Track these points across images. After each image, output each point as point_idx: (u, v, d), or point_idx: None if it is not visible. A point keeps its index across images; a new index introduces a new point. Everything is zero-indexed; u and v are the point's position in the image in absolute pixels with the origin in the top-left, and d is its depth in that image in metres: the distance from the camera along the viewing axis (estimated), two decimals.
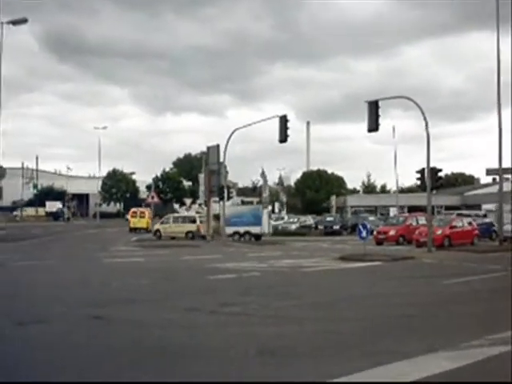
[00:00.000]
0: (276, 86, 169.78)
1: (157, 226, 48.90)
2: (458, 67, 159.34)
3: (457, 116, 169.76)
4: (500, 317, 11.10)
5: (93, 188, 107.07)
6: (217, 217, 45.91)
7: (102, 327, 10.26)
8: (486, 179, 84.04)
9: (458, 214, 46.01)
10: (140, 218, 59.58)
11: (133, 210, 62.73)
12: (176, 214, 47.06)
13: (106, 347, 8.55)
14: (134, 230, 57.21)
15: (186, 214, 58.65)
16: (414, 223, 39.55)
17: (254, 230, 43.37)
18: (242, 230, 43.16)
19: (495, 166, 37.25)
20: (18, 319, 10.55)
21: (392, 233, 38.93)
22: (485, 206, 58.18)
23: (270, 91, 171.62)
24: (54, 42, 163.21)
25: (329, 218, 60.01)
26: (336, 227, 55.52)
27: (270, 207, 45.04)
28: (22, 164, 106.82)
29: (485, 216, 48.62)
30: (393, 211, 67.24)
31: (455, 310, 12.28)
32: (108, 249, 33.63)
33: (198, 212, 56.00)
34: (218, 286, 16.37)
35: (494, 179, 64.27)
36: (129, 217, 62.96)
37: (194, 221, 47.96)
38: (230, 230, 42.67)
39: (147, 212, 59.73)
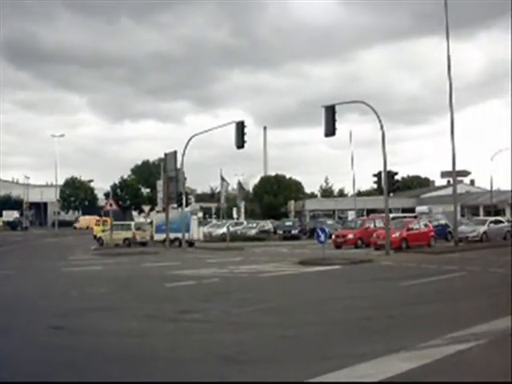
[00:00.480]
0: (234, 92, 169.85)
1: (99, 234, 50.60)
2: (412, 72, 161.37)
3: (411, 120, 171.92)
4: (458, 316, 11.30)
5: (51, 196, 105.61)
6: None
7: (62, 337, 10.11)
8: (441, 181, 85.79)
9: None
10: (103, 227, 59.13)
11: (97, 218, 64.82)
12: (115, 222, 47.88)
13: (66, 357, 8.45)
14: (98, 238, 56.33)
15: (136, 220, 61.50)
16: (372, 226, 39.95)
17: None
18: (172, 236, 43.13)
19: (449, 168, 38.01)
20: None
21: (350, 236, 39.23)
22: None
23: (227, 97, 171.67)
24: (10, 50, 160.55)
25: (287, 223, 60.14)
26: (295, 232, 55.66)
27: (200, 214, 45.63)
28: None
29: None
30: (351, 215, 67.75)
31: (414, 311, 12.42)
32: (67, 257, 33.22)
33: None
34: (177, 294, 16.31)
35: (448, 182, 65.55)
36: (93, 226, 63.69)
37: (129, 228, 49.15)
38: (159, 236, 44.18)
39: (109, 221, 58.83)
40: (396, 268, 23.68)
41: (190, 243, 43.78)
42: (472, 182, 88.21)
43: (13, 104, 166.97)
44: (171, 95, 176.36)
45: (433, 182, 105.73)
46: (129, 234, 47.32)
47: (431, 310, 12.51)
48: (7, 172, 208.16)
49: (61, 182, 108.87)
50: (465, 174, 44.82)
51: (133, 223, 53.02)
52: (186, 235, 42.77)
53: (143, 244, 44.92)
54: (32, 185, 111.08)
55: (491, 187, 64.20)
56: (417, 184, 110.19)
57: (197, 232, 47.46)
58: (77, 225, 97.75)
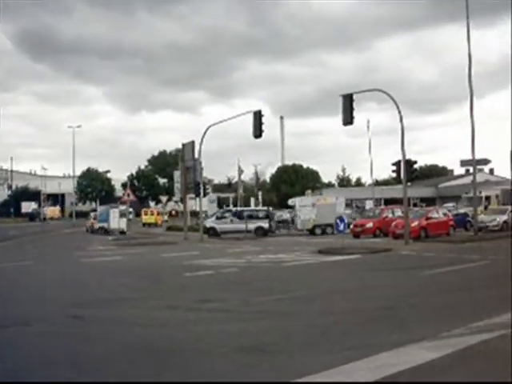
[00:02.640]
0: (251, 82, 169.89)
1: (88, 223, 61.85)
2: (431, 60, 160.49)
3: (430, 108, 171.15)
4: (480, 306, 11.20)
5: (68, 187, 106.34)
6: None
7: (83, 327, 10.14)
8: (459, 170, 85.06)
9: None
10: (150, 216, 74.66)
11: (144, 209, 78.26)
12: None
13: (87, 347, 8.47)
14: (147, 225, 70.71)
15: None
16: (390, 215, 39.74)
17: (106, 225, 53.70)
18: (99, 225, 54.84)
19: (468, 157, 37.70)
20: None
21: (369, 225, 39.09)
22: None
23: (244, 87, 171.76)
24: (28, 42, 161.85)
25: None
26: None
27: (123, 207, 50.55)
28: None
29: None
30: (369, 204, 67.48)
31: (436, 300, 12.33)
32: (85, 248, 33.37)
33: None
34: (197, 283, 16.32)
35: (467, 170, 65.03)
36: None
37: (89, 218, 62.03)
38: (97, 225, 56.06)
39: (156, 211, 78.82)
40: (416, 257, 23.54)
41: (121, 231, 50.11)
42: (491, 171, 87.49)
43: (30, 96, 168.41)
44: (188, 85, 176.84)
45: (451, 170, 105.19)
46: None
47: (453, 299, 12.41)
48: (25, 164, 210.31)
49: (78, 173, 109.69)
50: (485, 162, 44.26)
51: (92, 214, 64.87)
52: (106, 224, 53.24)
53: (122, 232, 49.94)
54: (49, 176, 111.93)
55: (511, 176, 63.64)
56: (435, 173, 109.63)
57: (117, 223, 52.70)
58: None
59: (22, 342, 8.84)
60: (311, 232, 43.00)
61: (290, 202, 53.21)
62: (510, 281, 13.45)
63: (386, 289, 14.57)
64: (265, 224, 43.91)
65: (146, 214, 75.21)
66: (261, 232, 42.40)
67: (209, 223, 44.85)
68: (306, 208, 44.04)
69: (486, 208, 46.62)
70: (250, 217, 43.61)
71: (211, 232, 43.45)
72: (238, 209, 51.39)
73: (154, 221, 73.35)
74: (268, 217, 45.26)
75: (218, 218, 46.01)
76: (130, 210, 55.03)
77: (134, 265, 22.81)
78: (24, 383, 6.45)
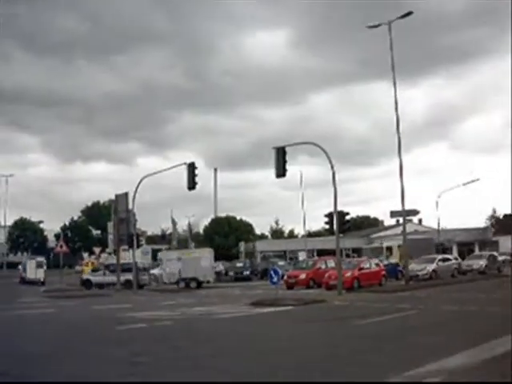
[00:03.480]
0: (185, 134, 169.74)
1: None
2: (362, 115, 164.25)
3: (361, 161, 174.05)
4: (414, 353, 11.36)
5: None
6: None
7: None
8: (390, 221, 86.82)
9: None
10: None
11: (84, 261, 76.29)
12: None
13: None
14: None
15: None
16: (324, 266, 40.01)
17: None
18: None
19: (398, 208, 38.62)
20: None
21: (302, 277, 39.21)
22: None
23: (178, 139, 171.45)
24: None
25: (239, 264, 59.98)
26: (246, 273, 55.52)
27: (40, 258, 57.73)
28: None
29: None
30: (302, 255, 67.90)
31: (367, 351, 12.40)
32: (16, 300, 32.44)
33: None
34: (129, 336, 16.00)
35: (397, 221, 66.41)
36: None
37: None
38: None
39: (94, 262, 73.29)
40: (349, 307, 23.72)
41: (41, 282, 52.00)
42: (420, 221, 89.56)
43: None
44: (123, 136, 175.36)
45: (382, 221, 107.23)
46: None
47: (384, 347, 12.54)
48: None
49: (10, 222, 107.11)
50: (414, 213, 45.37)
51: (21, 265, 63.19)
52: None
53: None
54: None
55: (438, 226, 65.45)
56: (367, 224, 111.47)
57: (34, 273, 54.66)
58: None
59: None
60: (176, 284, 43.16)
61: (159, 255, 54.22)
62: (440, 328, 13.73)
63: (319, 339, 14.63)
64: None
65: (86, 265, 73.74)
66: (129, 285, 41.73)
67: (85, 276, 48.76)
68: (171, 262, 44.68)
69: (387, 258, 47.97)
70: (122, 270, 43.54)
71: (87, 284, 44.97)
72: (111, 262, 51.78)
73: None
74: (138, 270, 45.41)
75: (93, 271, 50.73)
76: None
77: (66, 317, 22.21)
78: (23, 383, 6.18)
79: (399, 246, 48.47)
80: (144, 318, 20.17)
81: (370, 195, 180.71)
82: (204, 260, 44.26)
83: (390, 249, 50.46)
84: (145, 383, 6.29)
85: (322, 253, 62.10)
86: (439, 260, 42.75)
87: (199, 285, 42.73)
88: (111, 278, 43.73)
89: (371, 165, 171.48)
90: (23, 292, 41.27)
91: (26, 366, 11.45)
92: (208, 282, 43.86)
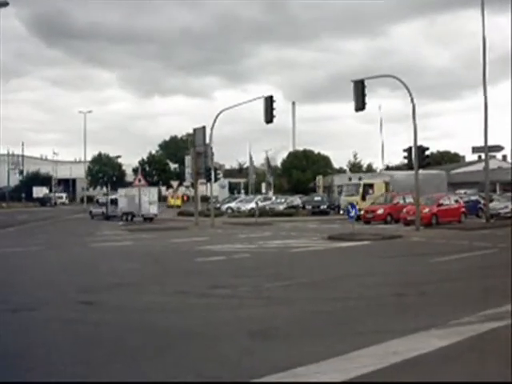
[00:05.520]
0: (263, 67, 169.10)
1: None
2: (445, 46, 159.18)
3: (443, 95, 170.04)
4: (490, 294, 11.18)
5: (79, 172, 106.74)
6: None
7: (93, 313, 10.18)
8: (471, 157, 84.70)
9: None
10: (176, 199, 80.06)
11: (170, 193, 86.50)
12: None
13: (96, 333, 8.53)
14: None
15: None
16: (402, 202, 39.54)
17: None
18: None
19: (481, 144, 37.45)
20: (10, 307, 10.48)
21: (380, 212, 38.93)
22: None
23: (257, 72, 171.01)
24: (42, 27, 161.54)
25: (316, 198, 59.74)
26: (323, 207, 55.40)
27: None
28: (8, 150, 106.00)
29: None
30: None
31: (446, 287, 12.32)
32: (95, 233, 33.50)
33: None
34: (208, 269, 16.35)
35: (479, 157, 64.58)
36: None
37: None
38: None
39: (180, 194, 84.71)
40: (426, 244, 23.49)
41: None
42: (504, 158, 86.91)
43: (42, 81, 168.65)
44: (201, 71, 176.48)
45: (463, 157, 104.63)
46: None
47: (463, 286, 12.40)
48: (36, 149, 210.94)
49: (89, 158, 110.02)
50: (498, 149, 43.96)
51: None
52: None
53: None
54: (61, 161, 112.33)
55: None
56: (447, 159, 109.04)
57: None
58: None
59: (29, 327, 8.92)
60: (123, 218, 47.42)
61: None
62: None
63: (395, 275, 14.59)
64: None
65: (172, 198, 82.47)
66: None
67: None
68: (121, 198, 49.15)
69: (363, 197, 45.34)
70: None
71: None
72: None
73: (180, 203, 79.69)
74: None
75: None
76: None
77: (144, 250, 22.86)
78: (23, 383, 6.49)
79: (386, 184, 46.82)
80: (222, 251, 20.58)
81: (452, 130, 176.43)
82: (143, 197, 47.08)
83: (370, 186, 47.33)
84: (146, 383, 6.40)
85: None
86: None
87: (147, 219, 46.29)
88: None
89: (454, 98, 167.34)
90: (104, 226, 42.47)
91: (110, 296, 11.94)
92: (155, 215, 47.73)
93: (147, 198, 47.49)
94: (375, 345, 7.26)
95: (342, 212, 44.55)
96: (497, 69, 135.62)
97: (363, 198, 44.92)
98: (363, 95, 30.50)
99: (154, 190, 51.14)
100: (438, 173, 54.56)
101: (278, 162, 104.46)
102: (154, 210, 47.95)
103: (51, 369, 6.69)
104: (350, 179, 56.88)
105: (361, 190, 46.13)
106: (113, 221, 47.61)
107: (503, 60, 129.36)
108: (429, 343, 7.30)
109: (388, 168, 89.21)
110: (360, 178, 53.31)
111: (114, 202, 53.14)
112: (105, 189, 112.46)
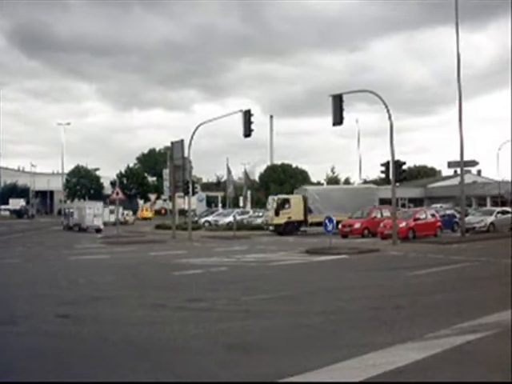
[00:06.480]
0: (242, 81, 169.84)
1: None
2: (422, 62, 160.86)
3: (420, 110, 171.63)
4: (466, 306, 11.28)
5: (57, 185, 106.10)
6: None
7: (68, 326, 10.10)
8: (447, 172, 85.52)
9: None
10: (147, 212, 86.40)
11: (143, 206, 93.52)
12: None
13: (73, 346, 8.49)
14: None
15: None
16: (379, 216, 39.82)
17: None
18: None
19: (457, 158, 37.84)
20: None
21: (357, 226, 39.16)
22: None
23: (235, 86, 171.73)
24: (22, 38, 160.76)
25: None
26: None
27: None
28: None
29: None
30: None
31: (422, 300, 12.40)
32: (73, 246, 33.24)
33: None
34: (184, 282, 16.32)
35: (455, 172, 65.23)
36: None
37: None
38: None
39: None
40: (403, 258, 23.62)
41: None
42: (479, 173, 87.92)
43: (21, 92, 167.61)
44: (180, 83, 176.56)
45: (439, 171, 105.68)
46: None
47: (440, 300, 12.49)
48: (14, 160, 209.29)
49: (67, 170, 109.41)
50: (473, 164, 44.36)
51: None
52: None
53: None
54: (38, 173, 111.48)
55: (498, 177, 64.12)
56: (424, 174, 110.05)
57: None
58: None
59: (8, 341, 8.84)
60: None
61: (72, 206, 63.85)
62: (495, 283, 13.56)
63: (372, 289, 14.65)
64: None
65: (145, 210, 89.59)
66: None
67: None
68: (74, 211, 55.38)
69: (276, 213, 44.74)
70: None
71: None
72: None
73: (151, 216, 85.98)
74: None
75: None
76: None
77: (123, 263, 22.74)
78: (19, 383, 6.45)
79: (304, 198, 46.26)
80: (200, 265, 20.55)
81: (428, 145, 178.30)
82: (88, 209, 52.36)
83: (287, 201, 46.88)
84: (148, 383, 6.40)
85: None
86: (498, 212, 41.84)
87: (98, 231, 49.46)
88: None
89: (430, 113, 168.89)
90: (81, 238, 42.19)
91: (88, 309, 11.88)
92: (99, 227, 50.76)
93: (92, 211, 51.98)
94: (353, 358, 7.31)
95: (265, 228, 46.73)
96: (471, 85, 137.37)
97: (277, 214, 44.88)
98: (341, 110, 30.74)
99: (99, 204, 54.86)
100: (369, 187, 55.23)
101: (256, 176, 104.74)
102: (98, 222, 51.61)
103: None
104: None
105: (275, 205, 45.75)
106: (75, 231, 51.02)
107: (477, 77, 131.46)
108: (406, 356, 7.36)
109: (366, 182, 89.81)
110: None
111: (71, 214, 56.31)
112: (82, 201, 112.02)
